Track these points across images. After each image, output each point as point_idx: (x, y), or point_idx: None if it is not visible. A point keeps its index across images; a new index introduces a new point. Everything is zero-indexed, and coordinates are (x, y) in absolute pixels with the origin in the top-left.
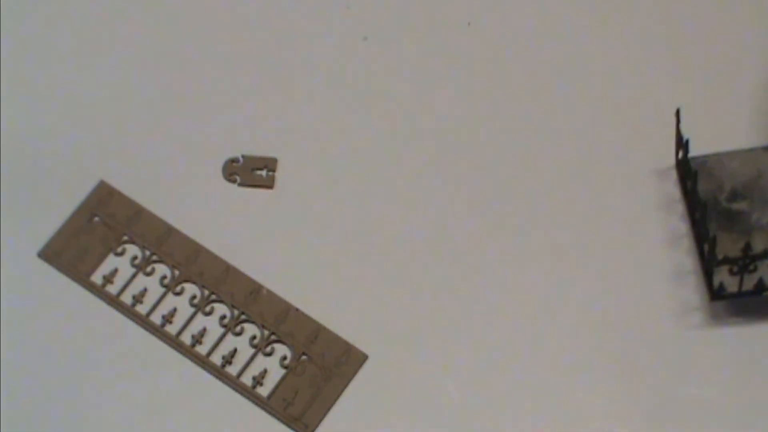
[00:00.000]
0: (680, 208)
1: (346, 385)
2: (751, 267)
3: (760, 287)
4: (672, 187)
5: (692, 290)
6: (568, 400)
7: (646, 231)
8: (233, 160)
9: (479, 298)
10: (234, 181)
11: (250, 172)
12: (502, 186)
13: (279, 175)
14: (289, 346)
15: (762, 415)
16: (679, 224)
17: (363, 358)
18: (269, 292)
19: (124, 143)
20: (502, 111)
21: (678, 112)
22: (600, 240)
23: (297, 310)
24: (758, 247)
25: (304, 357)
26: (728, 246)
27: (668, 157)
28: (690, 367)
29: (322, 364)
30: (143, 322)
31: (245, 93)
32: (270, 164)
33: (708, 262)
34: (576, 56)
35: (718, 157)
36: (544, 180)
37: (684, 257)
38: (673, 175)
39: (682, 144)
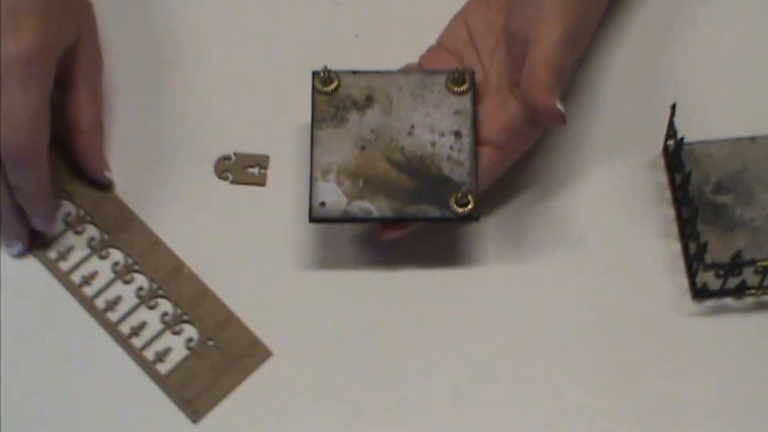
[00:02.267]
0: (666, 195)
1: (244, 378)
2: (737, 272)
3: (742, 287)
4: (660, 176)
5: (679, 285)
6: (555, 397)
7: (634, 222)
8: (225, 158)
9: (459, 293)
10: (226, 179)
11: (242, 169)
12: None
13: (271, 172)
14: (198, 329)
15: (751, 411)
16: (667, 212)
17: (267, 354)
18: (191, 272)
19: (115, 140)
20: None
21: (674, 107)
22: (589, 234)
23: (213, 294)
24: (740, 243)
25: (210, 342)
26: (711, 240)
27: (657, 143)
28: (678, 362)
29: (226, 352)
30: (63, 278)
31: (238, 90)
32: (262, 162)
33: (695, 265)
34: None
35: (705, 145)
36: (533, 170)
37: (670, 250)
38: (660, 161)
39: (674, 137)
